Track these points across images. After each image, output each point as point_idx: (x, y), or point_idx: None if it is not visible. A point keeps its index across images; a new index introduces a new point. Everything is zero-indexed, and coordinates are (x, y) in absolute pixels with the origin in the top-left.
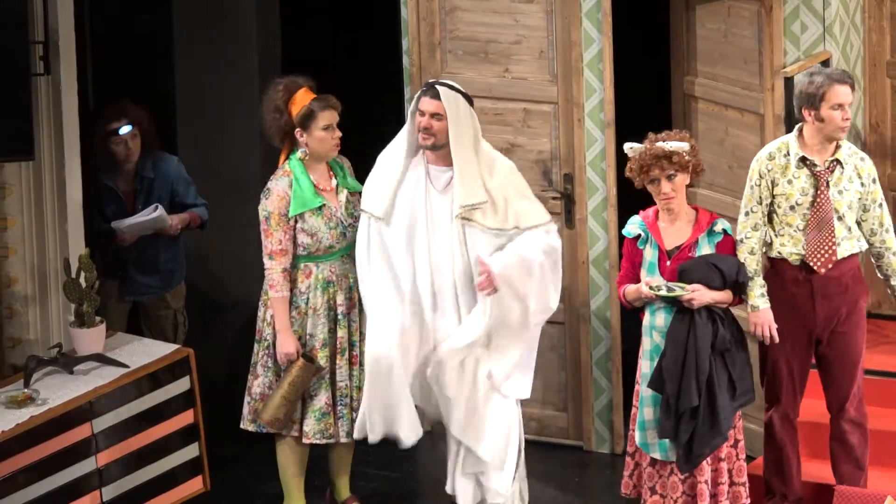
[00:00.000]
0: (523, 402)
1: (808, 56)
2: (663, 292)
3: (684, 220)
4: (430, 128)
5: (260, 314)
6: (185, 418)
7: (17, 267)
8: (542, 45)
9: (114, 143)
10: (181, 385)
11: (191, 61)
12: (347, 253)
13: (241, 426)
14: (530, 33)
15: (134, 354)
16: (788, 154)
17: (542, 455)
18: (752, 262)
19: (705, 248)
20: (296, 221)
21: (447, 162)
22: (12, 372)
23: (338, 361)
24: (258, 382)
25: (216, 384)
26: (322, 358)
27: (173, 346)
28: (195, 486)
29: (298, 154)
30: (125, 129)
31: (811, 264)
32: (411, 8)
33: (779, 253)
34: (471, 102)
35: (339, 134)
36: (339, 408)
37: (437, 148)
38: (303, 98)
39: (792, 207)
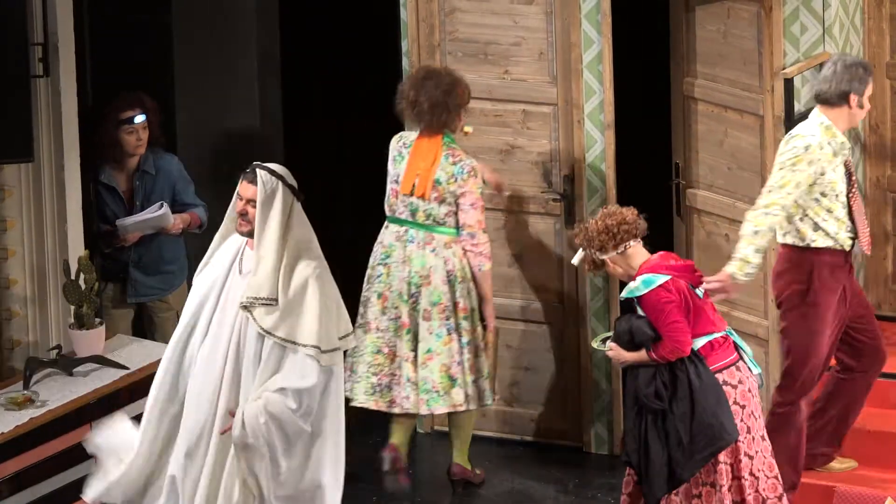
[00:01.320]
0: (523, 403)
1: (808, 57)
2: (596, 345)
3: None
4: (247, 214)
5: (435, 292)
6: None
7: (17, 269)
8: (542, 47)
9: (126, 132)
10: None
11: (191, 61)
12: None
13: (414, 410)
14: (530, 35)
15: (134, 356)
16: (831, 143)
17: (541, 456)
18: (764, 237)
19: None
20: None
21: None
22: (12, 374)
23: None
24: (446, 358)
25: None
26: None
27: None
28: None
29: (467, 129)
30: (139, 119)
31: (865, 248)
32: (411, 9)
33: (834, 241)
34: (292, 189)
35: None
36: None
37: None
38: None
39: (836, 196)
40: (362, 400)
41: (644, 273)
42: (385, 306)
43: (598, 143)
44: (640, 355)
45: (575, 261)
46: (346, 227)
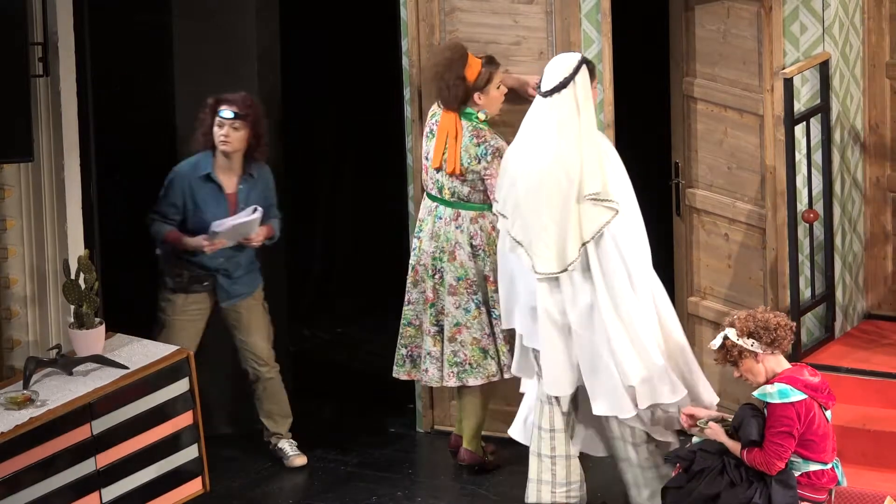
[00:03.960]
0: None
1: (808, 57)
2: (701, 423)
3: None
4: None
5: (460, 267)
6: (185, 419)
7: (17, 268)
8: (542, 46)
9: (217, 124)
10: (180, 386)
11: (191, 62)
12: None
13: (437, 384)
14: (530, 34)
15: (133, 355)
16: None
17: None
18: None
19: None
20: None
21: None
22: (12, 373)
23: None
24: (476, 332)
25: (222, 384)
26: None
27: (173, 348)
28: (195, 487)
29: (480, 115)
30: (228, 114)
31: None
32: (411, 9)
33: None
34: None
35: (505, 89)
36: None
37: None
38: (473, 62)
39: None
40: (395, 371)
41: (784, 382)
42: (416, 279)
43: None
44: (734, 447)
45: (716, 343)
46: (346, 226)
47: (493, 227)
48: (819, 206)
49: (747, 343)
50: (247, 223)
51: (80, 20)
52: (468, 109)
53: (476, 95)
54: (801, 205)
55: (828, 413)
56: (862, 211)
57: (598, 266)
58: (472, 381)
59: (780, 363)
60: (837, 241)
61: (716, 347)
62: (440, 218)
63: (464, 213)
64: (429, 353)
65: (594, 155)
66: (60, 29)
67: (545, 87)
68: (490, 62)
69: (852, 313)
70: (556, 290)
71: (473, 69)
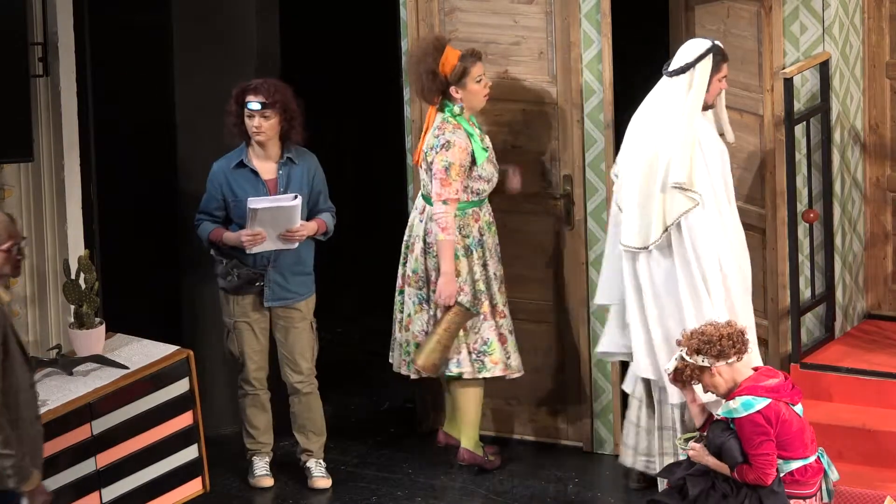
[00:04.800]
0: (523, 403)
1: (808, 57)
2: (679, 444)
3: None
4: None
5: (416, 260)
6: (185, 420)
7: None
8: (542, 46)
9: (246, 115)
10: (181, 386)
11: (190, 62)
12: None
13: (396, 370)
14: (530, 34)
15: (133, 356)
16: None
17: (541, 456)
18: None
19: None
20: (471, 170)
21: None
22: None
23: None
24: (417, 327)
25: (222, 384)
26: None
27: (173, 348)
28: (194, 487)
29: (455, 109)
30: (255, 105)
31: None
32: (410, 9)
33: None
34: None
35: (489, 83)
36: None
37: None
38: (450, 55)
39: None
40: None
41: (744, 394)
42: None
43: (598, 143)
44: (722, 467)
45: (669, 366)
46: (346, 226)
47: (444, 229)
48: (819, 206)
49: (698, 360)
50: (286, 209)
51: (80, 20)
52: (447, 102)
53: (452, 89)
54: (801, 205)
55: (797, 408)
56: (862, 211)
57: (676, 252)
58: (414, 375)
59: (739, 372)
60: (837, 241)
61: (669, 370)
62: (416, 209)
63: (428, 208)
64: (394, 339)
65: (686, 144)
66: (60, 29)
67: (671, 67)
68: (468, 56)
69: (852, 313)
70: (634, 262)
71: (448, 64)
